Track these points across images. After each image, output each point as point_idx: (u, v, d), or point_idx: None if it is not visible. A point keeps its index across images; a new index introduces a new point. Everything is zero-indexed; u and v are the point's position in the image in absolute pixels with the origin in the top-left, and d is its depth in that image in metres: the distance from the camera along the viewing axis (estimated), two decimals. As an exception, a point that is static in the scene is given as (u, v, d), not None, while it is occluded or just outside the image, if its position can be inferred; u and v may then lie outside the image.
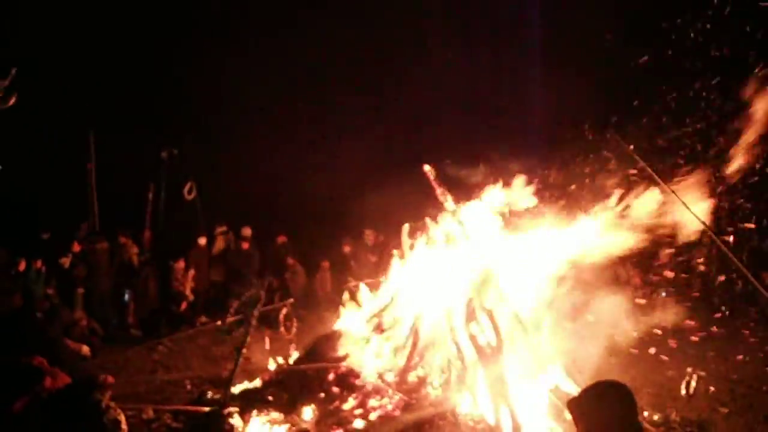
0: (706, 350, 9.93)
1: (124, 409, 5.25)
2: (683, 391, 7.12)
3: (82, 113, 13.60)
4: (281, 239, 13.13)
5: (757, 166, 6.33)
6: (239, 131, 15.05)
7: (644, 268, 11.48)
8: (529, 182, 7.15)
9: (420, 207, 8.15)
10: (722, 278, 10.73)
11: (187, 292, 11.77)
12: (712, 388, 8.05)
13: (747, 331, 10.83)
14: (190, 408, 6.83)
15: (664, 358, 9.26)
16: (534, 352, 6.49)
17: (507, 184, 7.14)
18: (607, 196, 6.74)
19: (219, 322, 10.94)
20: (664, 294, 11.13)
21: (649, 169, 6.09)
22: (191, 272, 11.83)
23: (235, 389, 7.06)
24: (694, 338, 10.54)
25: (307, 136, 15.94)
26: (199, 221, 13.20)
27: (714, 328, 11.12)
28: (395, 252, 7.88)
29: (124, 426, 3.81)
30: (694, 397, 7.12)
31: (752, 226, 8.38)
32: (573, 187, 7.84)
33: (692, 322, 11.33)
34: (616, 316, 11.54)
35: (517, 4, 15.98)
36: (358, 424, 6.06)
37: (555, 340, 6.71)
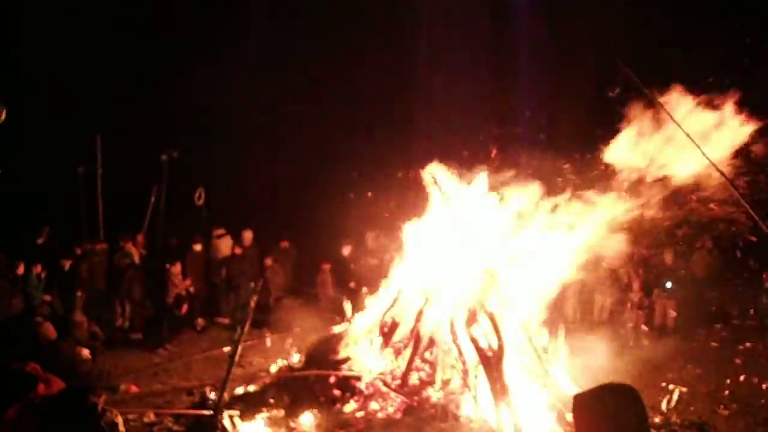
0: (707, 350, 9.97)
1: (124, 412, 5.27)
2: (664, 406, 7.12)
3: (89, 116, 13.64)
4: (284, 244, 13.13)
5: None
6: (241, 135, 15.06)
7: (645, 269, 11.51)
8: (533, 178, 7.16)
9: (420, 210, 8.15)
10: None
11: (183, 293, 11.76)
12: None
13: (747, 331, 10.88)
14: (191, 411, 6.83)
15: (666, 359, 9.29)
16: (536, 355, 6.50)
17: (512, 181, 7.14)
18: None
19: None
20: (669, 284, 11.15)
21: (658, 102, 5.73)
22: (187, 281, 11.81)
23: (237, 392, 7.07)
24: (696, 337, 10.60)
25: (308, 139, 15.95)
26: (202, 226, 13.19)
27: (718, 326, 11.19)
28: (396, 254, 7.88)
29: (121, 428, 3.81)
30: (675, 410, 7.12)
31: None
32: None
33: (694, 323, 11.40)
34: (617, 319, 11.61)
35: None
36: (360, 426, 6.06)
37: (558, 342, 6.71)
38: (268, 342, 9.85)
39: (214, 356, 9.87)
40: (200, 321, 11.81)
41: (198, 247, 12.32)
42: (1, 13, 13.41)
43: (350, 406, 6.38)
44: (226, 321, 11.81)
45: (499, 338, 6.10)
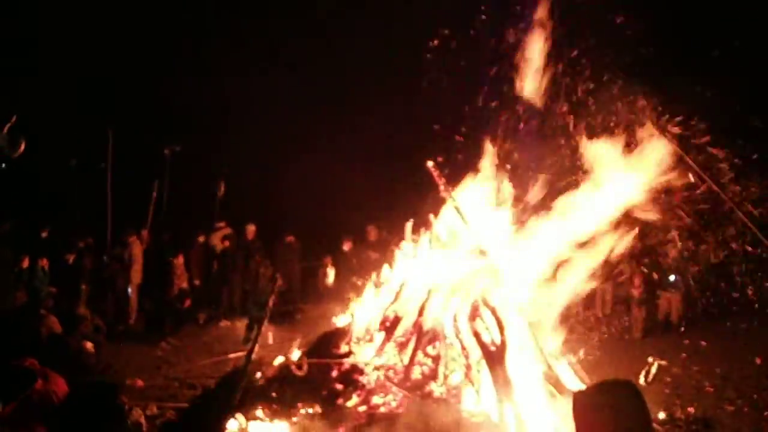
0: (713, 348, 9.90)
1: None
2: (642, 380, 7.08)
3: (100, 111, 13.67)
4: (289, 238, 13.12)
5: None
6: (247, 131, 15.07)
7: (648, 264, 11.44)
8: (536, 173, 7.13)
9: (422, 203, 8.12)
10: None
11: (184, 286, 11.78)
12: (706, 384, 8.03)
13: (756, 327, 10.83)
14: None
15: (668, 355, 9.24)
16: (538, 349, 6.46)
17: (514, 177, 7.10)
18: None
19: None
20: (673, 278, 11.08)
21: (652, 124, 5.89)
22: (185, 274, 11.82)
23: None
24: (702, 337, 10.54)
25: (311, 135, 15.93)
26: (213, 219, 13.17)
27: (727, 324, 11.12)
28: (398, 248, 7.85)
29: (144, 429, 3.80)
30: (652, 385, 7.06)
31: None
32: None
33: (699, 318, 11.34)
34: (620, 314, 11.56)
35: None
36: (362, 420, 6.04)
37: (560, 336, 6.67)
38: (270, 337, 9.85)
39: (216, 349, 9.90)
40: (202, 315, 11.83)
41: (202, 240, 12.32)
42: (15, 13, 13.48)
43: (352, 401, 6.36)
44: (228, 324, 11.80)
45: (502, 333, 6.07)
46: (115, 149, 13.48)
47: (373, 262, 11.35)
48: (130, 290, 11.87)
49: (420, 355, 6.62)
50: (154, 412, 6.83)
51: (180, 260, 11.68)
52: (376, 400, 6.33)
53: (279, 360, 7.91)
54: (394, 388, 6.37)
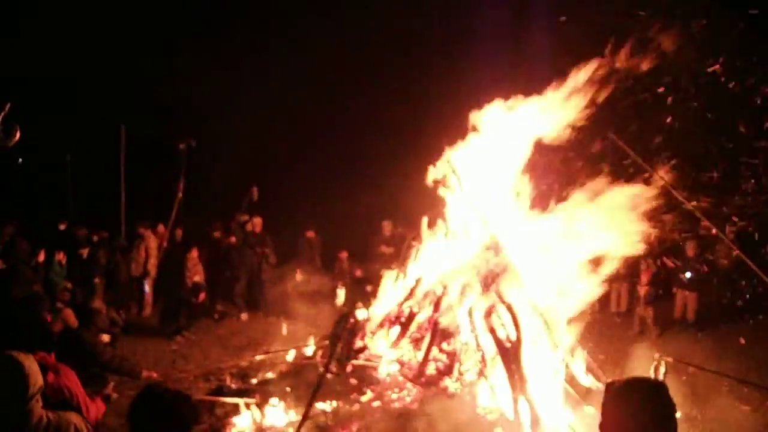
0: (730, 347, 9.80)
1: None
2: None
3: (113, 106, 13.77)
4: (309, 234, 13.13)
5: None
6: (259, 124, 15.13)
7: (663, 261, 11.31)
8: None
9: (437, 198, 8.07)
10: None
11: (198, 279, 11.83)
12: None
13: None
14: (208, 398, 6.86)
15: (684, 353, 9.15)
16: (554, 345, 6.42)
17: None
18: None
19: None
20: (688, 275, 10.96)
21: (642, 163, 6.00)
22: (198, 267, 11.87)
23: (254, 380, 7.10)
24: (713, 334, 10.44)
25: (325, 129, 15.96)
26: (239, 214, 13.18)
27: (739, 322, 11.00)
28: (414, 243, 7.82)
29: None
30: (666, 383, 6.95)
31: None
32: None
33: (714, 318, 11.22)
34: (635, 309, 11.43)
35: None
36: (376, 416, 6.04)
37: (575, 333, 6.62)
38: (284, 330, 9.89)
39: (231, 343, 9.93)
40: (218, 308, 11.90)
41: (217, 234, 12.37)
42: (26, 7, 13.60)
43: (367, 396, 6.37)
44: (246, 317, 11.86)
45: (518, 329, 6.05)
46: (127, 144, 13.59)
47: (386, 257, 11.37)
48: (146, 284, 11.97)
49: (435, 351, 6.60)
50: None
51: (194, 254, 11.73)
52: (390, 395, 6.34)
53: (292, 354, 7.96)
54: (409, 384, 6.37)
